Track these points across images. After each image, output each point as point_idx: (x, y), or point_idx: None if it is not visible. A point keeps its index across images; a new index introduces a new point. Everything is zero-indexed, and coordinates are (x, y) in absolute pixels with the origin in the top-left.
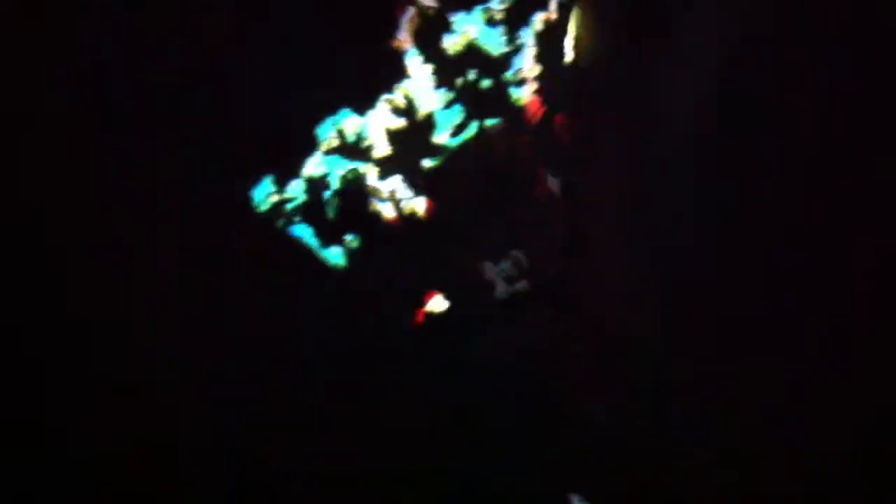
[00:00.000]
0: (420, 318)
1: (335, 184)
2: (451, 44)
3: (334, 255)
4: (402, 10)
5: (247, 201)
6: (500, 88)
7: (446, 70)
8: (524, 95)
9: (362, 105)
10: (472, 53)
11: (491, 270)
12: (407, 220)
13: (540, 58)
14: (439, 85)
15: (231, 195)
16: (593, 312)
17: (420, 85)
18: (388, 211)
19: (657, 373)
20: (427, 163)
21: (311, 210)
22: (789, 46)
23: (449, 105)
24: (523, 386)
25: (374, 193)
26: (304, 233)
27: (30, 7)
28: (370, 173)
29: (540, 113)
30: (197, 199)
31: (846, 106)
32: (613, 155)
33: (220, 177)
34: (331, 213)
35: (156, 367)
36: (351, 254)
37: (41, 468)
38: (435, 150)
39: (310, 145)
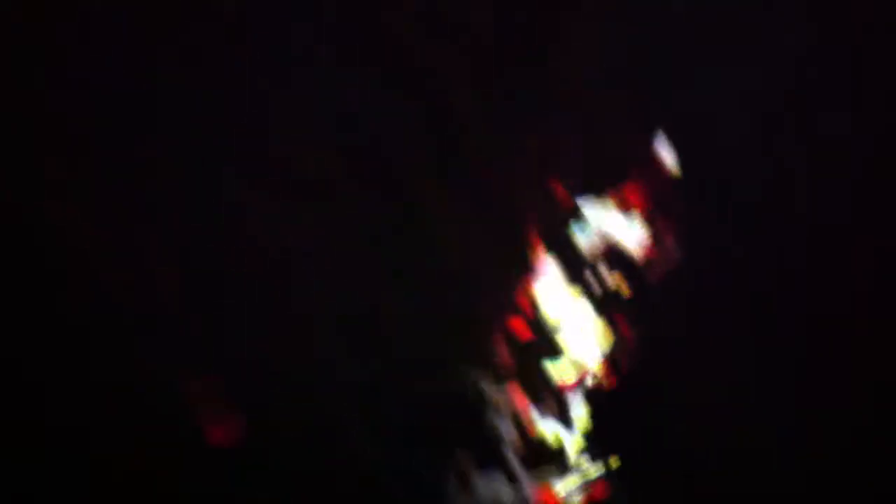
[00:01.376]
0: None
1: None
2: (585, 239)
3: None
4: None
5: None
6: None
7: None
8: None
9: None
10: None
11: None
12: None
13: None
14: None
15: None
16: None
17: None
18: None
19: (658, 373)
20: (554, 377)
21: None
22: (787, 44)
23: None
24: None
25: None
26: None
27: (30, 7)
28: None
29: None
30: (197, 199)
31: (846, 106)
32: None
33: (219, 178)
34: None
35: (156, 366)
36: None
37: (41, 468)
38: (568, 363)
39: None
